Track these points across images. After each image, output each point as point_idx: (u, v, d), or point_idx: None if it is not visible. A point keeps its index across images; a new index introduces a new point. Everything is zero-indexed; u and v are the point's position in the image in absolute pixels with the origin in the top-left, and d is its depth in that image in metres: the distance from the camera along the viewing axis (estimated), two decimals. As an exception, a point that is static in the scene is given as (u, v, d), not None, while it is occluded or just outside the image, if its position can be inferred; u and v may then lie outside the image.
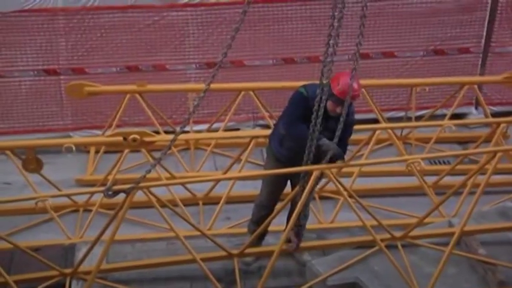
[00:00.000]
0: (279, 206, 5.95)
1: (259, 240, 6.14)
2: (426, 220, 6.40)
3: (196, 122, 8.75)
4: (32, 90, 8.59)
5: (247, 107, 8.82)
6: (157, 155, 7.43)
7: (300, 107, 5.47)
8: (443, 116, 8.75)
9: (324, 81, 5.33)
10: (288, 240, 5.89)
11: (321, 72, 5.32)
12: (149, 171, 5.41)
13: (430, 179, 7.64)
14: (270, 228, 6.04)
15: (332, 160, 5.46)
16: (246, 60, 8.86)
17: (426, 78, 8.96)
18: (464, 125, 9.18)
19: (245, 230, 6.36)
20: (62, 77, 8.57)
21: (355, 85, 5.31)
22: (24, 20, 8.25)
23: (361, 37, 5.21)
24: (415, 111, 8.69)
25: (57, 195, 6.91)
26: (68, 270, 5.79)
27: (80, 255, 5.91)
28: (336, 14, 5.11)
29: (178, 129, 5.52)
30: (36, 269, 5.77)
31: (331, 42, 5.16)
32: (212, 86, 8.26)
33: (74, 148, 6.94)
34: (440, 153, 7.95)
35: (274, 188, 5.96)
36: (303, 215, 5.85)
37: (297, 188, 5.71)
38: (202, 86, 8.61)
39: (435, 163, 8.52)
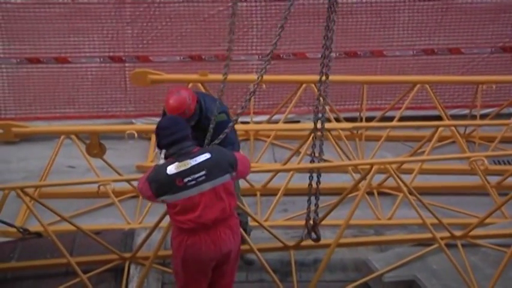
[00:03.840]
0: (336, 200, 5.91)
1: None
2: (488, 221, 6.26)
3: (257, 113, 8.77)
4: (98, 76, 8.78)
5: (308, 99, 8.78)
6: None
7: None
8: (509, 115, 8.56)
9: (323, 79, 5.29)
10: None
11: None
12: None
13: (494, 180, 7.46)
14: (326, 222, 5.97)
15: None
16: (308, 53, 8.82)
17: (493, 76, 8.75)
18: (532, 124, 8.92)
19: (302, 222, 6.33)
20: (126, 65, 8.73)
21: (170, 101, 5.41)
22: (92, 8, 8.43)
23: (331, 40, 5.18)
24: (480, 110, 8.49)
25: (119, 179, 7.00)
26: (127, 255, 5.89)
27: (139, 240, 6.01)
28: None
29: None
30: (97, 252, 5.90)
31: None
32: (273, 77, 8.46)
33: (135, 135, 7.05)
34: (505, 152, 7.71)
35: None
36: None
37: (357, 180, 5.65)
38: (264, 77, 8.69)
39: (499, 163, 8.31)
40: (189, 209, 4.68)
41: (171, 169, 4.68)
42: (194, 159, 4.71)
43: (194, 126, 5.49)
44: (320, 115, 5.43)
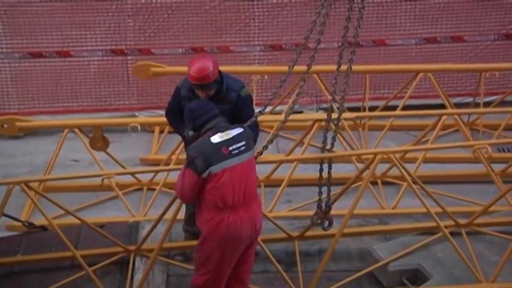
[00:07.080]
0: (340, 190, 5.91)
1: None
2: (493, 208, 6.26)
3: (259, 104, 8.73)
4: (100, 70, 8.78)
5: (311, 90, 8.77)
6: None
7: (174, 98, 5.65)
8: (513, 103, 8.54)
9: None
10: None
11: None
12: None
13: (498, 167, 7.44)
14: (330, 212, 5.98)
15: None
16: (311, 43, 8.77)
17: (496, 63, 8.72)
18: (535, 112, 8.90)
19: (306, 212, 6.35)
20: (129, 58, 8.73)
21: (196, 64, 5.36)
22: (93, 1, 8.42)
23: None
24: (484, 97, 8.47)
25: (123, 172, 7.05)
26: (132, 247, 5.91)
27: (143, 233, 6.02)
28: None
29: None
30: (102, 245, 5.92)
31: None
32: (277, 68, 8.44)
33: (139, 128, 7.06)
34: (509, 139, 7.67)
35: None
36: None
37: (361, 170, 5.66)
38: (266, 68, 8.68)
39: (503, 151, 8.30)
40: (229, 184, 4.71)
41: (216, 138, 4.76)
42: (233, 130, 4.83)
43: (215, 98, 5.43)
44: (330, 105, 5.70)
